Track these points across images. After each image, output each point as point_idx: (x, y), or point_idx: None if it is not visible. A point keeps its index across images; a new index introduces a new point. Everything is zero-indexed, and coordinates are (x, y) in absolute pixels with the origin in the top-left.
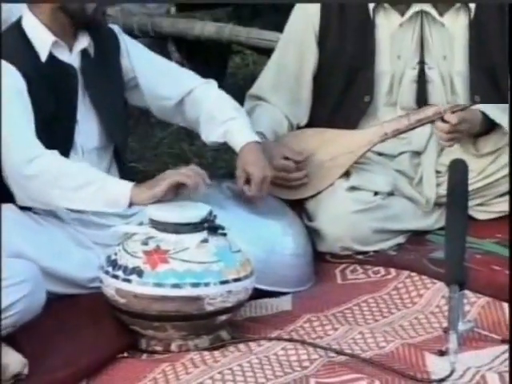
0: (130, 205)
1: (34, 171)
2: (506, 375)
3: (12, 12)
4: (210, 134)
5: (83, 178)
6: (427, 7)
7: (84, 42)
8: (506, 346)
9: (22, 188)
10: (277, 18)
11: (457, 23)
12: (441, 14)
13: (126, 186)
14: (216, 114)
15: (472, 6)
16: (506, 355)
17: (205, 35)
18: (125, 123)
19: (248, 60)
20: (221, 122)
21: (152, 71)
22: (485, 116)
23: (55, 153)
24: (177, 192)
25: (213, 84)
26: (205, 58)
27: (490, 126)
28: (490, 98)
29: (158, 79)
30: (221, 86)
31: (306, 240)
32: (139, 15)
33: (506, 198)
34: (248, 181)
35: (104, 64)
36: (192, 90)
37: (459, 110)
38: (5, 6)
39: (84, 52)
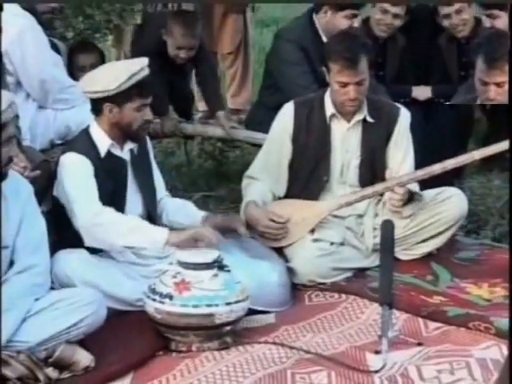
0: (165, 243)
1: (101, 221)
2: (422, 367)
3: (83, 121)
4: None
5: (132, 225)
6: None
7: (131, 144)
8: (421, 347)
9: (91, 234)
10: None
11: None
12: None
13: (164, 231)
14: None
15: None
16: (421, 353)
17: (216, 135)
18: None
19: (245, 152)
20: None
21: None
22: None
23: (112, 209)
24: (196, 242)
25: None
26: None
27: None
28: None
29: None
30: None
31: (286, 275)
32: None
33: (422, 244)
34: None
35: (143, 157)
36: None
37: (403, 185)
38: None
39: (131, 150)
